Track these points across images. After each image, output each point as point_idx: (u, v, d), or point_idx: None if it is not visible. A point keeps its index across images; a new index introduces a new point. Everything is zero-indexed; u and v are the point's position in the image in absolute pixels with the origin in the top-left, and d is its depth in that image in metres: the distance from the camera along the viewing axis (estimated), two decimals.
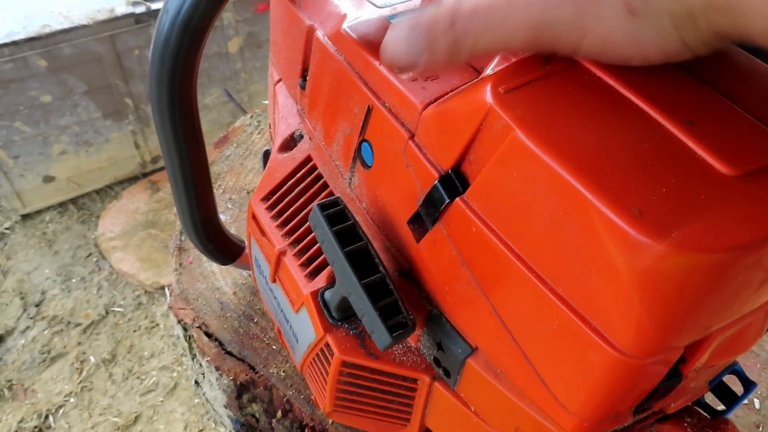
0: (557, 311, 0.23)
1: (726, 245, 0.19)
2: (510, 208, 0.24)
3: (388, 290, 0.28)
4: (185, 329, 0.49)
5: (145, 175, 1.81)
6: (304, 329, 0.34)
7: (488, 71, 0.28)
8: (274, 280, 0.37)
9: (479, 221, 0.25)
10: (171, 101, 0.36)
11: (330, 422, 0.43)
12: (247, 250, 0.50)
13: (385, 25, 0.33)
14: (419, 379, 0.32)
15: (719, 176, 0.21)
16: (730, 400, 0.31)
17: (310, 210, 0.36)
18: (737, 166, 0.21)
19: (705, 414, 0.30)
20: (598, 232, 0.20)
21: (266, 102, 0.71)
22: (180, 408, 1.39)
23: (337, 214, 0.29)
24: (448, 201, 0.26)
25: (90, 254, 1.67)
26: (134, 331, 1.53)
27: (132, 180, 1.82)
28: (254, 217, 0.38)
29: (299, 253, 0.35)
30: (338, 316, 0.32)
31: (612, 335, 0.22)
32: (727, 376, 0.32)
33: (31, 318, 1.55)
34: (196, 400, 1.40)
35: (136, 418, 1.38)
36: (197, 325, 0.48)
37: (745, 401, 0.47)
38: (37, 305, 1.58)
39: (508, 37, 0.23)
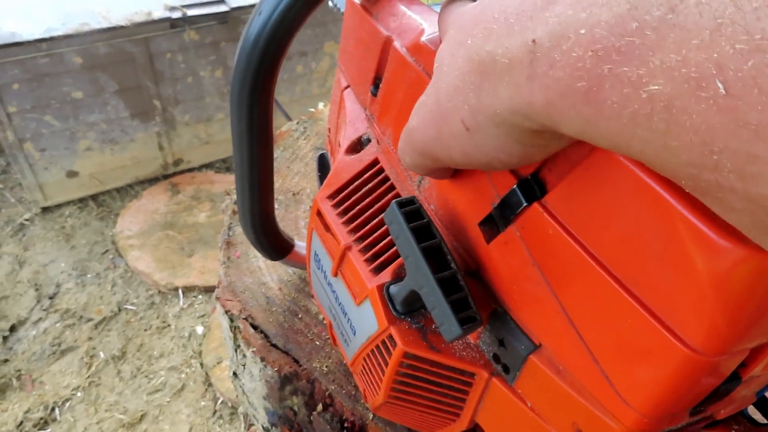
0: (630, 310, 0.25)
1: None
2: (590, 213, 0.25)
3: (459, 286, 0.30)
4: (231, 320, 0.50)
5: (166, 176, 1.84)
6: (365, 322, 0.36)
7: None
8: (336, 275, 0.39)
9: (557, 224, 0.27)
10: (251, 97, 0.39)
11: (370, 418, 0.45)
12: (296, 248, 0.52)
13: None
14: (477, 374, 0.33)
15: None
16: None
17: (376, 209, 0.38)
18: None
19: (751, 425, 0.31)
20: (681, 236, 0.22)
21: (311, 109, 0.74)
22: (186, 410, 1.40)
23: (413, 212, 0.31)
24: (525, 205, 0.28)
25: (107, 251, 1.69)
26: (145, 330, 1.55)
27: (153, 181, 1.85)
28: (319, 214, 0.40)
29: (365, 249, 0.37)
30: (402, 310, 0.34)
31: (684, 333, 0.23)
32: None
33: (44, 310, 1.57)
34: (203, 403, 1.41)
35: (142, 416, 1.39)
36: (244, 316, 0.50)
37: None
38: (50, 297, 1.60)
39: (409, 161, 0.29)
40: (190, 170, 1.87)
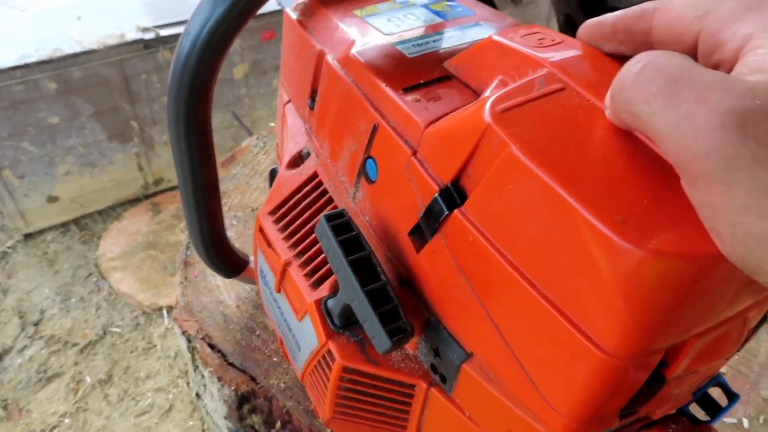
0: (547, 315, 0.24)
1: (702, 252, 0.21)
2: (504, 219, 0.25)
3: (389, 297, 0.30)
4: (189, 340, 0.50)
5: (147, 197, 1.83)
6: (307, 337, 0.36)
7: (487, 93, 0.30)
8: (279, 290, 0.39)
9: (476, 231, 0.27)
10: (187, 117, 0.38)
11: None
12: (251, 265, 0.51)
13: (390, 50, 0.36)
14: (416, 385, 0.33)
15: None
16: (714, 411, 0.32)
17: (315, 223, 0.38)
18: None
19: (689, 422, 0.31)
20: (584, 239, 0.22)
21: (272, 125, 0.73)
22: (174, 430, 1.39)
23: (342, 225, 0.31)
24: (447, 213, 0.28)
25: (90, 274, 1.68)
26: (131, 352, 1.53)
27: (134, 201, 1.84)
28: (261, 230, 0.40)
29: (304, 264, 0.37)
30: (340, 324, 0.34)
31: (598, 337, 0.23)
32: (712, 388, 0.33)
33: (29, 337, 1.55)
34: (191, 423, 1.40)
35: None
36: (201, 336, 0.49)
37: (735, 421, 0.48)
38: (35, 324, 1.58)
39: None
40: (171, 189, 1.86)
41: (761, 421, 0.48)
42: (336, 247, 0.30)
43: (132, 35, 1.56)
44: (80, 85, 1.54)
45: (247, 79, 1.74)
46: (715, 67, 0.22)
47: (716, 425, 0.44)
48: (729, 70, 0.21)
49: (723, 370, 0.50)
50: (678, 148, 0.20)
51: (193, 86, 0.37)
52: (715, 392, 0.33)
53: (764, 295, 0.25)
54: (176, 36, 1.59)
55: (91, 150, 1.66)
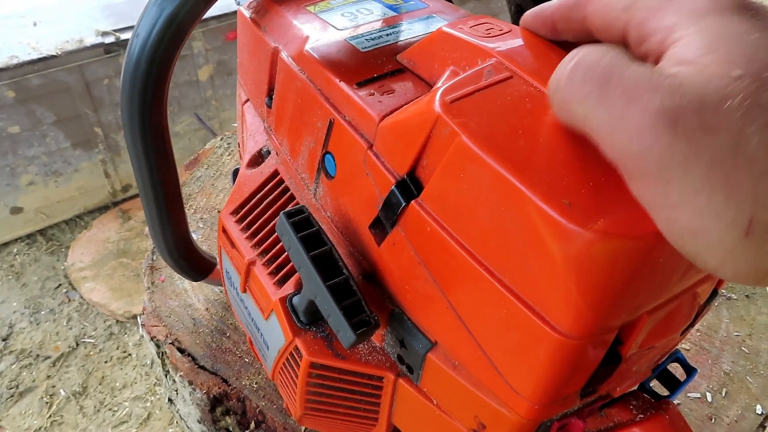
0: (504, 300, 0.25)
1: (647, 231, 0.22)
2: (459, 208, 0.26)
3: (352, 291, 0.30)
4: (158, 346, 0.49)
5: (115, 204, 1.80)
6: (274, 335, 0.36)
7: (439, 84, 0.30)
8: (244, 290, 0.39)
9: (433, 221, 0.27)
10: (142, 121, 0.38)
11: (302, 430, 0.44)
12: (218, 266, 0.51)
13: (344, 45, 0.36)
14: (384, 377, 0.33)
15: None
16: (674, 386, 0.33)
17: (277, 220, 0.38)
18: None
19: (649, 398, 0.32)
20: (534, 222, 0.23)
21: (235, 125, 0.73)
22: None
23: (302, 222, 0.31)
24: (404, 204, 0.28)
25: (59, 285, 1.65)
26: (106, 362, 1.51)
27: (102, 209, 1.80)
28: (224, 231, 0.39)
29: (268, 263, 0.37)
30: (306, 321, 0.34)
31: (553, 319, 0.24)
32: (671, 364, 0.34)
33: None
34: (170, 431, 1.38)
35: None
36: (170, 341, 0.49)
37: (698, 395, 0.49)
38: (4, 339, 1.55)
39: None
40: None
41: (723, 394, 0.49)
42: (297, 244, 0.30)
43: (91, 40, 1.53)
44: (40, 92, 1.51)
45: (213, 81, 1.72)
46: (644, 58, 0.22)
47: (680, 400, 0.45)
48: (656, 61, 0.21)
49: (686, 346, 0.52)
50: (614, 148, 0.20)
51: (146, 89, 0.37)
52: (675, 368, 0.34)
53: None
54: None
55: (55, 159, 1.62)
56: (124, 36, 1.55)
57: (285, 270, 0.36)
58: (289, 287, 0.35)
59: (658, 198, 0.19)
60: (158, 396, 1.44)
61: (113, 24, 1.59)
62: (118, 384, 1.47)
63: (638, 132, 0.19)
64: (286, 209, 0.31)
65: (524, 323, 0.25)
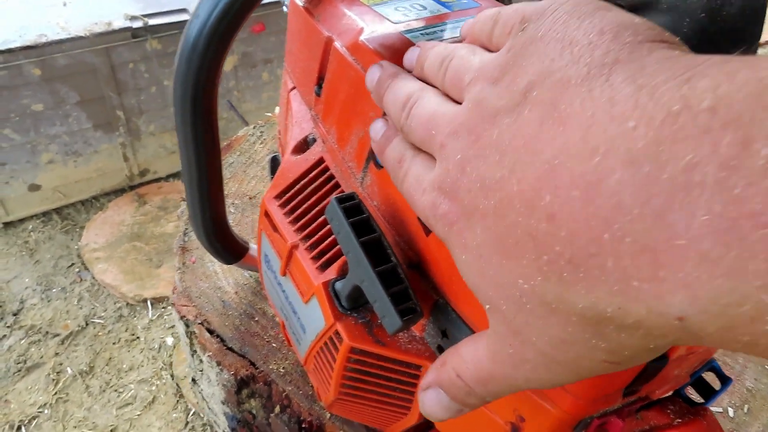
0: None
1: None
2: None
3: (400, 278, 0.30)
4: (187, 325, 0.50)
5: (132, 187, 1.82)
6: (313, 319, 0.36)
7: None
8: (284, 274, 0.39)
9: None
10: (194, 101, 0.39)
11: (327, 417, 0.45)
12: (250, 252, 0.52)
13: (399, 38, 0.36)
14: (423, 366, 0.34)
15: None
16: (708, 393, 0.34)
17: (322, 207, 0.39)
18: None
19: (686, 404, 0.32)
20: None
21: (268, 114, 0.74)
22: (157, 422, 1.38)
23: (353, 207, 0.32)
24: None
25: (72, 264, 1.66)
26: (114, 343, 1.52)
27: (119, 192, 1.82)
28: (267, 214, 0.40)
29: (311, 247, 0.37)
30: (348, 306, 0.34)
31: None
32: (706, 372, 0.34)
33: (8, 327, 1.53)
34: (174, 415, 1.39)
35: (112, 431, 1.36)
36: (199, 321, 0.49)
37: (720, 410, 0.49)
38: (14, 314, 1.56)
39: (477, 404, 0.27)
40: (157, 180, 1.85)
41: (745, 410, 0.49)
42: (347, 229, 0.31)
43: (119, 23, 1.55)
44: (65, 72, 1.52)
45: (236, 72, 1.73)
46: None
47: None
48: None
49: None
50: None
51: (201, 70, 0.37)
52: (709, 376, 0.34)
53: None
54: (165, 25, 1.57)
55: (76, 139, 1.64)
56: (152, 21, 1.56)
57: (328, 255, 0.36)
58: (331, 272, 0.36)
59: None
60: (164, 380, 1.45)
61: (142, 9, 1.60)
62: (124, 366, 1.48)
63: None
64: (338, 195, 0.32)
65: None
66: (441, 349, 0.33)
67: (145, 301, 1.57)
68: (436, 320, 0.33)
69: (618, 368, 0.21)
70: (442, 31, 0.38)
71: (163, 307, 1.58)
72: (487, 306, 0.22)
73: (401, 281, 0.30)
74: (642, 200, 0.15)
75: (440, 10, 0.40)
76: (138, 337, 1.53)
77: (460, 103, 0.24)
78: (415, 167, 0.27)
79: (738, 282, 0.13)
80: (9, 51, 1.44)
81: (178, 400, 1.42)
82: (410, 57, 0.31)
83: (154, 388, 1.44)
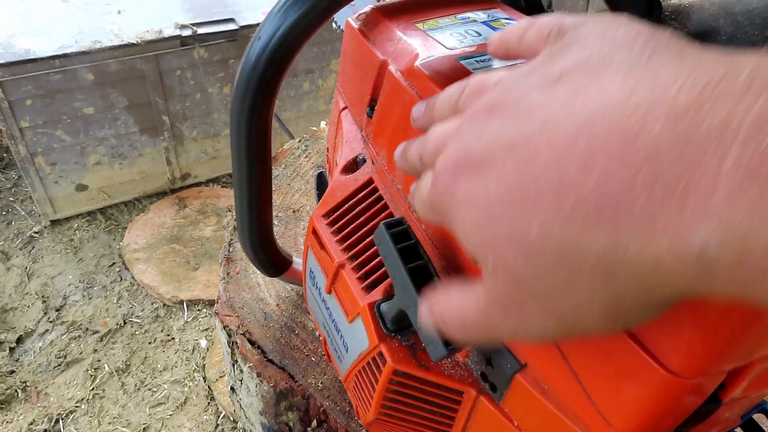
0: (613, 335, 0.25)
1: None
2: None
3: None
4: (229, 335, 0.51)
5: (173, 191, 1.86)
6: (357, 339, 0.37)
7: None
8: (329, 292, 0.40)
9: None
10: (250, 118, 0.40)
11: None
12: (294, 265, 0.52)
13: (455, 64, 0.37)
14: (465, 392, 0.34)
15: None
16: None
17: (370, 227, 0.39)
18: None
19: None
20: None
21: (314, 128, 0.75)
22: (188, 423, 1.40)
23: (401, 233, 0.32)
24: None
25: (113, 264, 1.71)
26: (150, 343, 1.55)
27: (160, 195, 1.87)
28: (315, 232, 0.41)
29: (357, 267, 0.38)
30: (392, 328, 0.35)
31: (663, 356, 0.24)
32: (756, 414, 0.34)
33: (50, 322, 1.58)
34: (205, 417, 1.41)
35: (145, 429, 1.39)
36: (242, 332, 0.50)
37: None
38: (57, 310, 1.61)
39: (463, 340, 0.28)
40: (197, 185, 1.89)
41: None
42: (395, 255, 0.31)
43: (170, 31, 1.59)
44: (116, 77, 1.58)
45: None
46: None
47: None
48: None
49: None
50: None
51: (260, 89, 0.39)
52: (760, 417, 0.34)
53: None
54: (212, 34, 1.61)
55: (122, 142, 1.69)
56: (200, 30, 1.61)
57: (374, 276, 0.37)
58: (377, 293, 0.36)
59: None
60: (197, 382, 1.48)
61: (192, 18, 1.64)
62: (159, 366, 1.51)
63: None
64: (386, 220, 0.32)
65: (631, 357, 0.25)
66: (484, 376, 0.33)
67: (181, 302, 1.60)
68: (481, 347, 0.33)
69: (611, 327, 0.22)
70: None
71: (198, 310, 1.61)
72: (489, 259, 0.23)
73: None
74: (679, 148, 0.17)
75: None
76: (173, 338, 1.56)
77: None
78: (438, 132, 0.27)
79: (759, 209, 0.15)
80: (65, 56, 1.50)
81: (209, 403, 1.44)
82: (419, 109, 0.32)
83: (186, 389, 1.47)
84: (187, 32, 1.60)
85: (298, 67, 1.77)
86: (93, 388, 1.47)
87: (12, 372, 1.49)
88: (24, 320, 1.59)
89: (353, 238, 0.39)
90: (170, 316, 1.60)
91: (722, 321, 0.22)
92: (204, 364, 1.51)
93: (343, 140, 0.44)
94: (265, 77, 0.38)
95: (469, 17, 0.43)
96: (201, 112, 1.73)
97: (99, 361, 1.52)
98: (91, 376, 1.49)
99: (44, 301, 1.63)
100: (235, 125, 0.41)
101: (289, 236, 0.60)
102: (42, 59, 1.47)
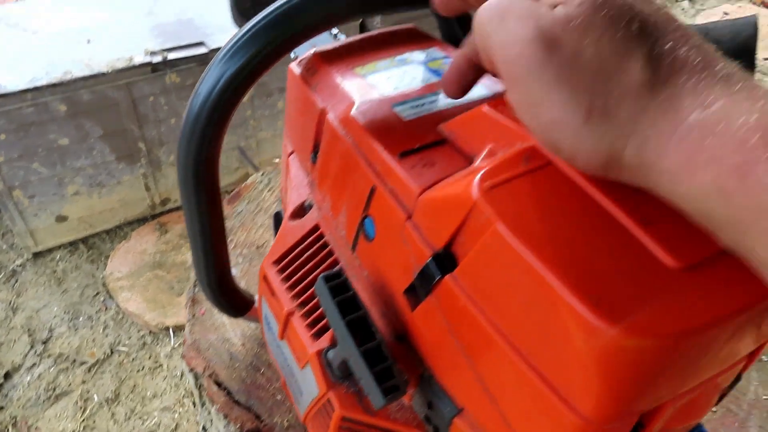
0: (529, 379, 0.26)
1: (670, 331, 0.23)
2: (490, 288, 0.27)
3: (384, 356, 0.32)
4: (196, 377, 0.52)
5: (154, 216, 1.86)
6: (309, 384, 0.38)
7: (477, 162, 0.32)
8: (282, 338, 0.41)
9: (465, 296, 0.28)
10: (196, 168, 0.41)
11: None
12: (256, 305, 0.53)
13: (388, 113, 0.38)
14: None
15: (667, 269, 0.25)
16: None
17: (316, 275, 0.40)
18: (682, 259, 0.25)
19: None
20: (561, 315, 0.24)
21: (276, 160, 0.76)
22: None
23: (339, 286, 0.33)
24: (439, 277, 0.30)
25: (98, 293, 1.71)
26: (138, 371, 1.55)
27: (141, 221, 1.86)
28: (266, 279, 0.42)
29: (306, 315, 0.39)
30: (340, 374, 0.36)
31: (576, 402, 0.25)
32: None
33: (37, 355, 1.58)
34: None
35: None
36: (208, 374, 0.51)
37: None
38: (44, 342, 1.60)
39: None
40: (177, 209, 1.89)
41: None
42: (333, 307, 0.32)
43: (140, 58, 1.59)
44: (89, 107, 1.57)
45: (253, 101, 1.77)
46: None
47: None
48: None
49: (713, 408, 0.52)
50: (500, 57, 0.26)
51: (202, 143, 0.39)
52: None
53: (734, 361, 0.27)
54: (183, 59, 1.62)
55: (100, 171, 1.68)
56: (171, 56, 1.61)
57: (321, 324, 0.38)
58: (324, 341, 0.37)
59: (526, 97, 0.25)
60: (186, 408, 1.48)
61: (161, 43, 1.65)
62: (148, 393, 1.51)
63: (518, 42, 0.25)
64: (325, 272, 0.33)
65: (547, 402, 0.26)
66: (428, 419, 0.34)
67: (167, 329, 1.60)
68: (423, 391, 0.34)
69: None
70: (431, 102, 0.39)
71: (184, 335, 1.61)
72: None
73: (385, 359, 0.31)
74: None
75: (430, 79, 0.42)
76: (161, 365, 1.56)
77: None
78: None
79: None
80: (36, 89, 1.50)
81: (200, 429, 1.44)
82: None
83: (176, 415, 1.47)
84: (157, 58, 1.60)
85: (271, 86, 1.77)
86: (83, 420, 1.46)
87: (1, 408, 1.48)
88: (11, 355, 1.58)
89: (301, 285, 0.40)
90: (157, 343, 1.60)
91: (627, 372, 0.23)
92: (192, 390, 1.51)
93: (291, 185, 0.45)
94: (206, 132, 0.39)
95: (406, 59, 0.44)
96: (176, 137, 1.72)
97: (88, 392, 1.52)
98: (81, 407, 1.49)
99: (30, 335, 1.62)
100: (182, 179, 0.42)
101: (254, 273, 0.61)
102: (13, 93, 1.47)
